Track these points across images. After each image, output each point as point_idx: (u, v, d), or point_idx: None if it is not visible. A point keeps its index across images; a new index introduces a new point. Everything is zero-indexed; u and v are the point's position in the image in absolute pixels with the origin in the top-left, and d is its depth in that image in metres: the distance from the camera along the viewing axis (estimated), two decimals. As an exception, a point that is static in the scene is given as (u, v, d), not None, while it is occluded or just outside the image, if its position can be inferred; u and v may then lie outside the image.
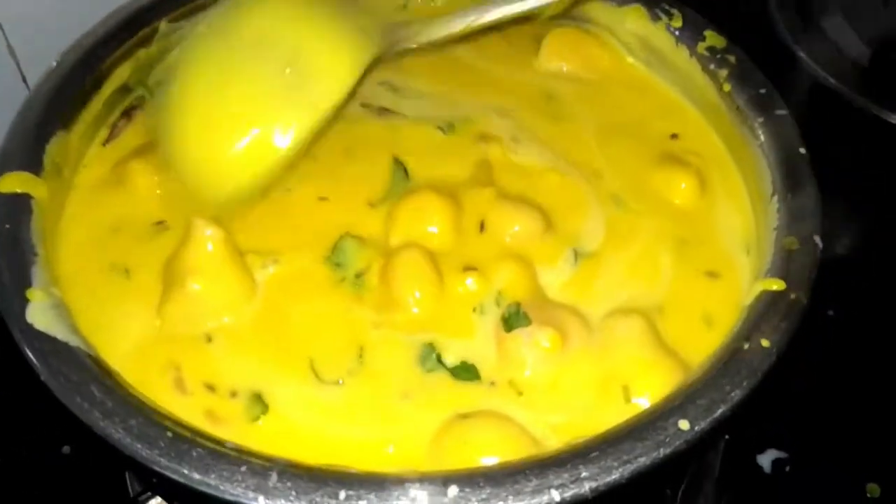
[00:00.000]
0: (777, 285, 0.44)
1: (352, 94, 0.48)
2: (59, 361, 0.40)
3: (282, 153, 0.46)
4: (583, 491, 0.36)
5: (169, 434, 0.38)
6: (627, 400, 0.43)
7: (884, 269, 0.73)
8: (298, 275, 0.48)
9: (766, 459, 0.63)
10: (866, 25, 0.84)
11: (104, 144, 0.55)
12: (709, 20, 0.59)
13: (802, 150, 0.51)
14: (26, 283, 0.43)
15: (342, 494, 0.36)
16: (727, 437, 0.62)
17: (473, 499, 0.36)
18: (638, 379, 0.44)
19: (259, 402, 0.43)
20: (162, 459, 0.37)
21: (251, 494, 0.36)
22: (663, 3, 0.59)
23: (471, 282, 0.48)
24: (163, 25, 0.58)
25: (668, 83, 0.60)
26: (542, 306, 0.47)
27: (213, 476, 0.36)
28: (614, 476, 0.37)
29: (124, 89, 0.57)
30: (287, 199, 0.51)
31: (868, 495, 0.61)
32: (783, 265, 0.45)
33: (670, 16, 0.59)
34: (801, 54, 0.82)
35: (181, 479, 0.37)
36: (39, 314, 0.42)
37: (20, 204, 0.47)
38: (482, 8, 0.52)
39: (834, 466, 0.63)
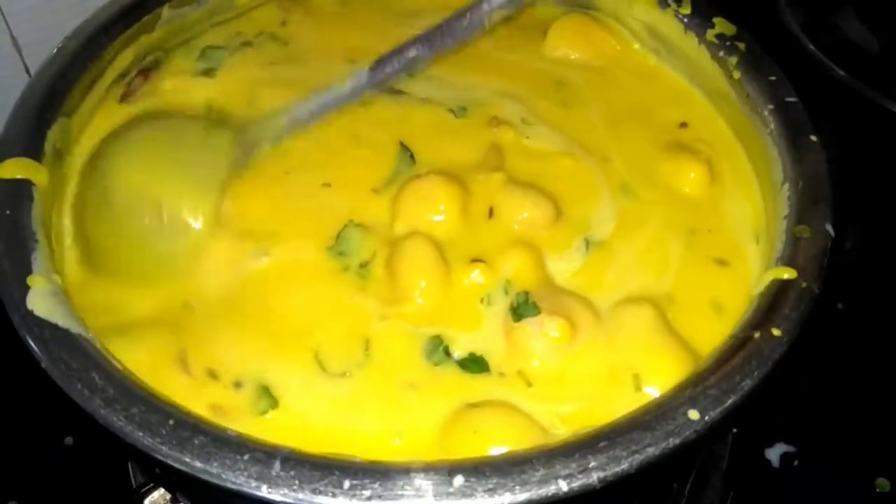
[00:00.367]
0: (788, 274, 0.43)
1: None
2: (59, 348, 0.40)
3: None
4: (591, 481, 0.36)
5: (171, 422, 0.37)
6: (638, 389, 0.42)
7: (890, 262, 0.73)
8: (300, 263, 0.48)
9: (774, 453, 0.63)
10: (876, 17, 0.83)
11: (120, 102, 0.55)
12: (722, 5, 0.58)
13: (813, 138, 0.50)
14: (27, 269, 0.42)
15: (346, 483, 0.35)
16: (735, 430, 0.62)
17: (479, 488, 0.35)
18: (648, 367, 0.43)
19: (267, 395, 0.43)
20: (163, 447, 0.36)
21: (254, 483, 0.36)
22: (672, -9, 0.58)
23: (477, 274, 0.47)
24: (165, 11, 0.57)
25: (676, 71, 0.59)
26: (551, 295, 0.46)
27: (215, 464, 0.36)
28: (623, 466, 0.36)
29: (126, 75, 0.56)
30: (288, 184, 0.51)
31: (877, 490, 0.61)
32: (794, 254, 0.44)
33: (679, 3, 0.58)
34: (811, 46, 0.82)
35: (183, 468, 0.36)
36: (40, 301, 0.41)
37: (21, 190, 0.46)
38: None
39: (842, 461, 0.63)
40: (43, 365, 0.39)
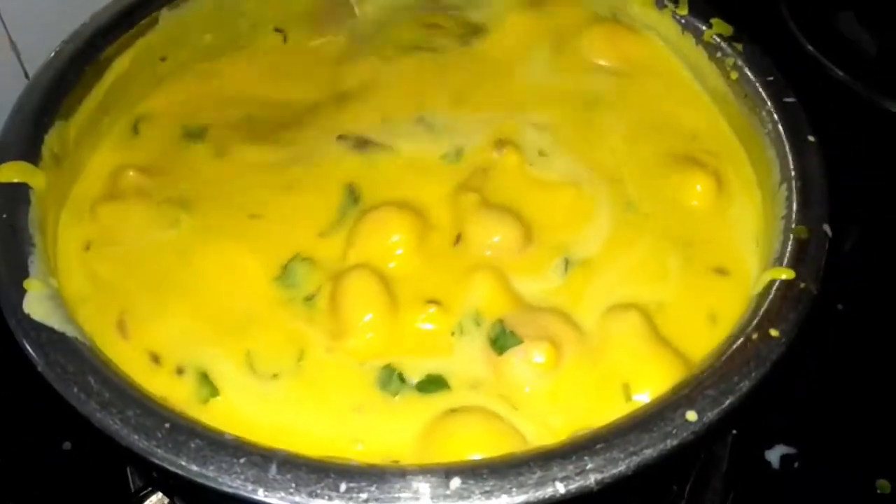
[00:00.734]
0: (786, 274, 0.43)
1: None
2: (55, 352, 0.40)
3: None
4: (588, 483, 0.36)
5: (167, 425, 0.37)
6: (628, 398, 0.42)
7: (890, 263, 0.73)
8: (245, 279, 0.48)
9: (774, 455, 0.63)
10: (875, 18, 0.83)
11: None
12: (719, 6, 0.58)
13: (811, 138, 0.50)
14: (24, 273, 0.42)
15: (343, 486, 0.35)
16: (735, 432, 0.61)
17: (476, 491, 0.35)
18: (637, 375, 0.42)
19: (207, 382, 0.43)
20: (159, 451, 0.36)
21: (250, 486, 0.36)
22: (668, -9, 0.58)
23: (428, 315, 0.46)
24: (163, 13, 0.57)
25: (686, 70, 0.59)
26: (528, 319, 0.45)
27: (211, 468, 0.36)
28: (620, 468, 0.36)
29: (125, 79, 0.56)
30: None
31: (878, 491, 0.61)
32: (792, 254, 0.44)
33: (676, 3, 0.58)
34: (810, 47, 0.81)
35: (179, 471, 0.36)
36: (36, 304, 0.41)
37: (18, 194, 0.46)
38: None
39: (843, 462, 0.63)
40: (39, 368, 0.39)
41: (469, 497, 0.35)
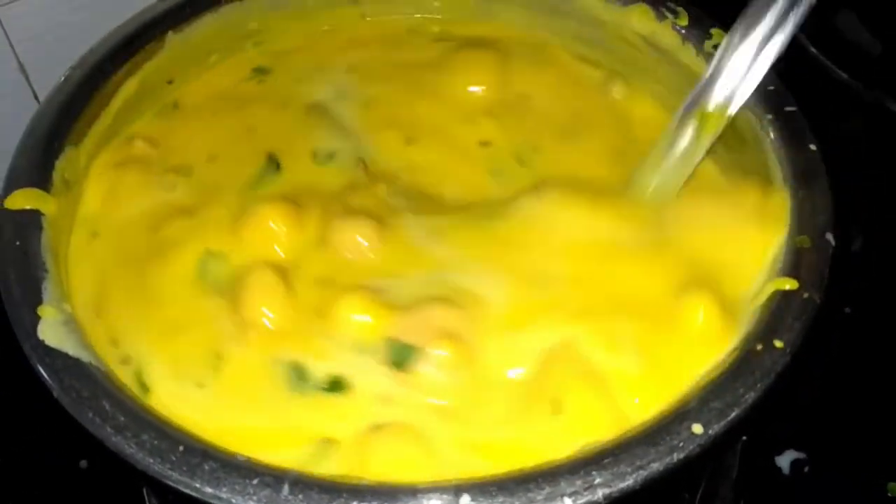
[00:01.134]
0: (790, 284, 0.43)
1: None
2: (70, 377, 0.40)
3: None
4: (596, 498, 0.36)
5: (181, 448, 0.38)
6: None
7: (897, 265, 0.73)
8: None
9: (784, 461, 0.63)
10: (877, 19, 0.83)
11: None
12: (719, 16, 0.58)
13: (813, 147, 0.50)
14: (37, 299, 0.43)
15: (354, 505, 0.36)
16: (745, 438, 0.62)
17: (486, 507, 0.36)
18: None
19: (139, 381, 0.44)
20: (174, 473, 0.37)
21: (264, 507, 0.36)
22: (668, 2, 0.58)
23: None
24: (169, 36, 0.58)
25: None
26: (409, 318, 0.44)
27: (224, 489, 0.36)
28: (628, 482, 0.36)
29: (132, 103, 0.57)
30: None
31: (889, 495, 0.61)
32: (795, 264, 0.44)
33: (676, 14, 0.58)
34: (812, 49, 0.81)
35: (194, 493, 0.37)
36: (50, 330, 0.42)
37: (30, 220, 0.47)
38: None
39: (853, 466, 0.63)
40: (55, 394, 0.40)
41: (479, 513, 0.36)
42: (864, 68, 0.79)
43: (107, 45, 0.56)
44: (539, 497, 0.36)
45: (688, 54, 0.58)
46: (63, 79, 0.54)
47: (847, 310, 0.70)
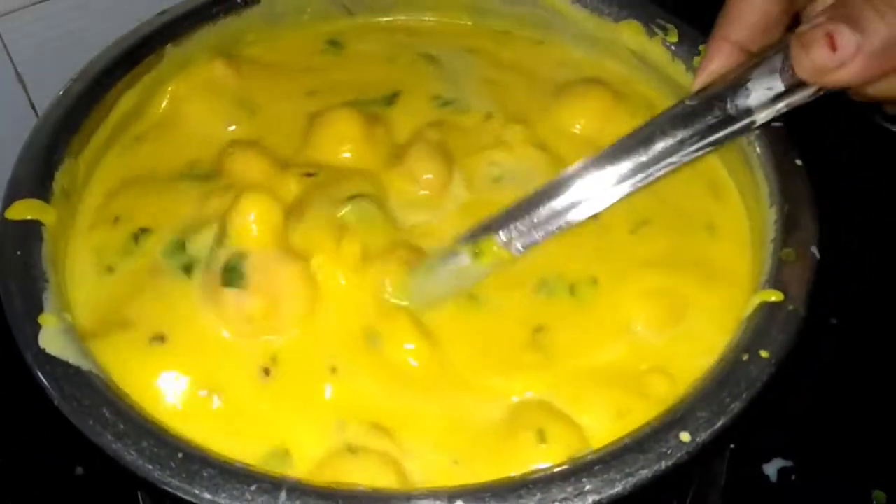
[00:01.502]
0: (775, 297, 0.44)
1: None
2: (71, 385, 0.41)
3: None
4: (586, 504, 0.37)
5: (180, 455, 0.38)
6: None
7: (887, 277, 0.74)
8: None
9: (772, 468, 0.64)
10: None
11: None
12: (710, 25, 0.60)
13: (799, 162, 0.51)
14: (38, 308, 0.44)
15: (350, 511, 0.37)
16: (732, 446, 0.63)
17: (479, 513, 0.37)
18: None
19: None
20: (173, 480, 0.38)
21: (261, 513, 0.37)
22: (658, 19, 0.60)
23: None
24: (168, 49, 0.59)
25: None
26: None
27: (223, 496, 0.37)
28: (617, 489, 0.37)
29: (131, 114, 0.58)
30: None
31: (874, 502, 0.62)
32: (781, 277, 0.45)
33: (666, 31, 0.59)
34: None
35: (192, 500, 0.37)
36: (52, 339, 0.42)
37: (30, 231, 0.47)
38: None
39: (840, 474, 0.64)
40: (55, 402, 0.41)
41: (472, 519, 0.37)
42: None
43: (106, 58, 0.56)
44: (531, 503, 0.37)
45: (678, 70, 0.59)
46: (63, 91, 0.54)
47: (833, 320, 0.71)
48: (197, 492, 0.37)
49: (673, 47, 0.59)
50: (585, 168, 0.46)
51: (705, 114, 0.45)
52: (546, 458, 0.41)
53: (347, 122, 0.55)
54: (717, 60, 0.47)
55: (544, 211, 0.46)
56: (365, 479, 0.40)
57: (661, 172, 0.45)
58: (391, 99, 0.59)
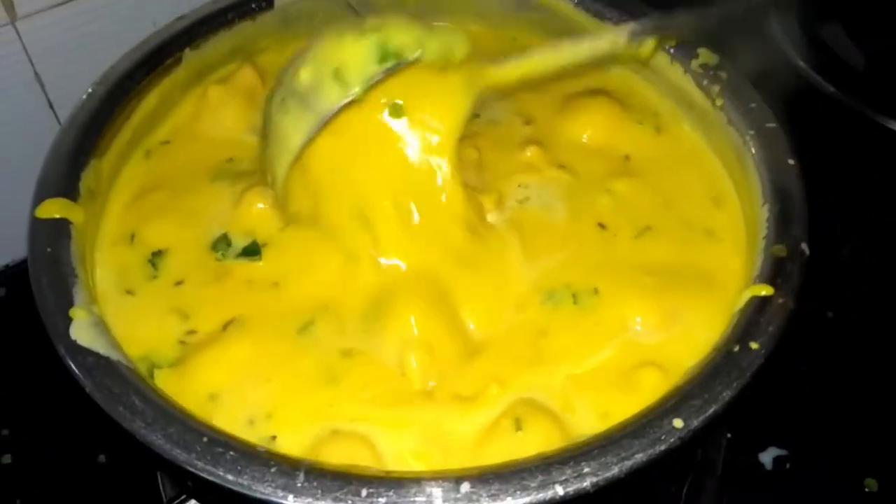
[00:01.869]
0: (766, 291, 0.47)
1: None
2: (101, 375, 0.43)
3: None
4: (584, 485, 0.39)
5: (205, 439, 0.41)
6: None
7: (882, 272, 0.76)
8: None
9: (767, 457, 0.65)
10: (862, 34, 0.85)
11: None
12: (708, 30, 0.61)
13: (791, 162, 0.53)
14: (69, 302, 0.46)
15: (364, 492, 0.39)
16: (729, 435, 0.65)
17: (484, 494, 0.39)
18: None
19: None
20: (199, 462, 0.40)
21: (280, 493, 0.39)
22: (658, 23, 0.62)
23: None
24: (186, 53, 0.61)
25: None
26: None
27: (245, 477, 0.40)
28: (613, 472, 0.40)
29: (152, 116, 0.60)
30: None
31: (866, 490, 0.64)
32: (772, 272, 0.48)
33: (665, 35, 0.61)
34: (801, 63, 0.84)
35: (216, 480, 0.40)
36: (82, 331, 0.45)
37: (59, 229, 0.50)
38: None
39: (833, 462, 0.65)
40: (87, 390, 0.43)
41: (478, 500, 0.39)
42: (851, 81, 0.81)
43: (128, 62, 0.59)
44: (533, 485, 0.39)
45: (677, 73, 0.61)
46: (86, 95, 0.57)
47: (829, 314, 0.72)
48: (221, 473, 0.40)
49: (672, 51, 0.61)
50: None
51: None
52: (522, 447, 0.43)
53: None
54: None
55: None
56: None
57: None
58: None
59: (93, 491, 0.66)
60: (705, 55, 0.60)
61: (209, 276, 0.52)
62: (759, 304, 0.46)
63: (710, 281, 0.52)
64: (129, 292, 0.52)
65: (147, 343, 0.49)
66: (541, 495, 0.39)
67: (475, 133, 0.60)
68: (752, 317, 0.46)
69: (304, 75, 0.49)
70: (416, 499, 0.39)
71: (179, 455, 0.40)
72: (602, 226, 0.55)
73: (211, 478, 0.40)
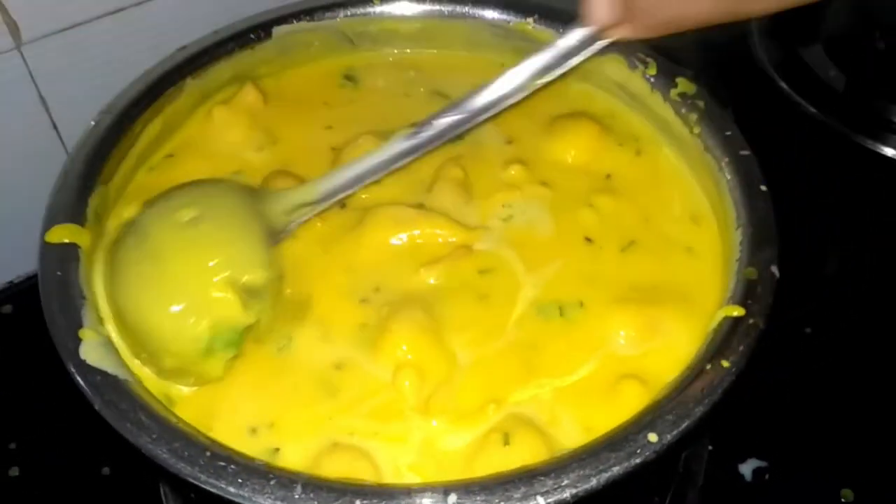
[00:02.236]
0: (737, 311, 0.49)
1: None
2: (109, 392, 0.46)
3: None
4: (564, 496, 0.42)
5: (208, 454, 0.43)
6: None
7: (859, 289, 0.78)
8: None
9: (747, 468, 0.67)
10: (842, 55, 0.88)
11: None
12: (691, 51, 0.64)
13: (763, 188, 0.55)
14: (78, 323, 0.49)
15: (357, 503, 0.42)
16: (711, 447, 0.67)
17: (470, 504, 0.42)
18: None
19: None
20: (202, 476, 0.42)
21: (279, 504, 0.42)
22: (639, 53, 0.64)
23: None
24: (188, 82, 0.64)
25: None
26: None
27: (246, 489, 0.42)
28: (592, 483, 0.42)
29: (156, 140, 0.63)
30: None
31: (843, 500, 0.65)
32: (743, 294, 0.50)
33: (646, 64, 0.64)
34: (783, 84, 0.86)
35: (219, 493, 0.42)
36: (91, 351, 0.47)
37: (68, 253, 0.52)
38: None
39: (811, 474, 0.67)
40: (96, 407, 0.45)
41: (464, 510, 0.42)
42: (831, 103, 0.84)
43: (133, 91, 0.61)
44: (516, 495, 0.42)
45: (657, 100, 0.64)
46: (93, 123, 0.59)
47: (808, 329, 0.75)
48: (223, 486, 0.42)
49: (652, 79, 0.64)
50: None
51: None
52: (509, 460, 0.46)
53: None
54: None
55: None
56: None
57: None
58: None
59: (97, 502, 0.68)
60: (684, 84, 0.62)
61: None
62: (732, 325, 0.49)
63: (689, 297, 0.55)
64: None
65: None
66: (523, 506, 0.42)
67: (459, 154, 0.62)
68: (725, 336, 0.48)
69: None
70: (407, 508, 0.42)
71: (183, 468, 0.43)
72: (589, 240, 0.58)
73: (213, 490, 0.42)
